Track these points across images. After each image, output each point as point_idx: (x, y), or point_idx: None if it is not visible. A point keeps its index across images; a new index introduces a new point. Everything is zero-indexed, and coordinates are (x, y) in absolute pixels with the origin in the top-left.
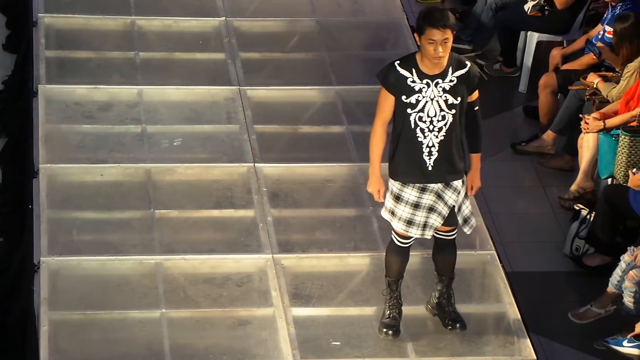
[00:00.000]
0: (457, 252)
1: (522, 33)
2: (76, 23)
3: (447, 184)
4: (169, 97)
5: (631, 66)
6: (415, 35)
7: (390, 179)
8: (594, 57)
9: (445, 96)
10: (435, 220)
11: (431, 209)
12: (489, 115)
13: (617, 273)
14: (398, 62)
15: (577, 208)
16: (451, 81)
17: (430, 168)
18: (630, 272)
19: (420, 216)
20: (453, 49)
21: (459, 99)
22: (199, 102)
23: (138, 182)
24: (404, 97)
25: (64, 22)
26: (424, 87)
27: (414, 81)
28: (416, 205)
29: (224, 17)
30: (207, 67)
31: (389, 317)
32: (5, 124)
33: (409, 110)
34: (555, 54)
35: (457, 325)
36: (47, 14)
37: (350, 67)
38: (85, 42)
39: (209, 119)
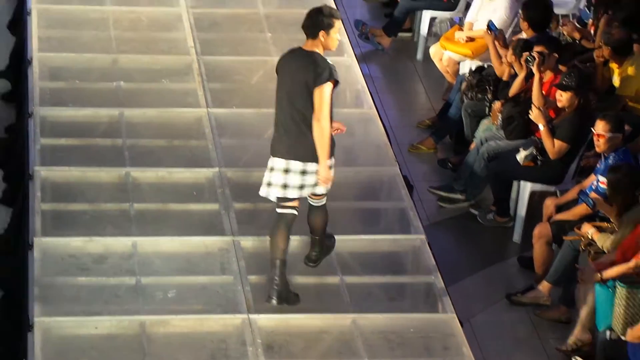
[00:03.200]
0: None
1: (516, 183)
2: (71, 176)
3: None
4: (163, 248)
5: (626, 217)
6: (322, 33)
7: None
8: (588, 207)
9: None
10: None
11: None
12: (483, 265)
13: None
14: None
15: None
16: None
17: None
18: None
19: None
20: (445, 199)
21: None
22: (193, 253)
23: (132, 334)
24: None
25: (60, 174)
26: None
27: None
28: None
29: (217, 168)
30: (201, 218)
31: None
32: None
33: None
34: (549, 204)
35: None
36: (42, 167)
37: (343, 217)
38: (81, 194)
39: (203, 269)
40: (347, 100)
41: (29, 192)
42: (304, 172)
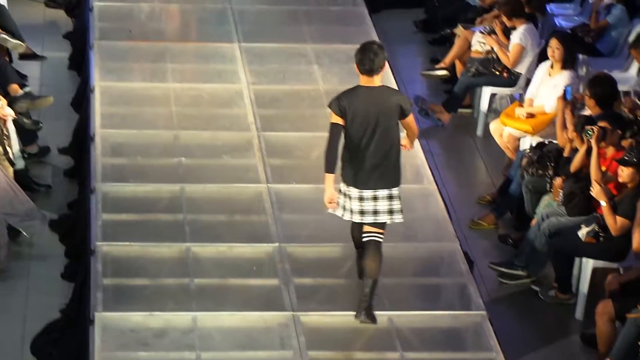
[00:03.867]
0: None
1: (577, 259)
2: (132, 251)
3: None
4: (223, 323)
5: None
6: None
7: None
8: None
9: None
10: None
11: None
12: (545, 343)
13: None
14: None
15: None
16: None
17: None
18: None
19: None
20: (507, 275)
21: None
22: (253, 328)
23: None
24: None
25: (121, 250)
26: None
27: None
28: None
29: (277, 243)
30: (260, 293)
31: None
32: (54, 356)
33: None
34: (612, 281)
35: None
36: (104, 242)
37: (403, 293)
38: (141, 269)
39: (263, 345)
40: (406, 176)
41: (91, 267)
42: (390, 197)
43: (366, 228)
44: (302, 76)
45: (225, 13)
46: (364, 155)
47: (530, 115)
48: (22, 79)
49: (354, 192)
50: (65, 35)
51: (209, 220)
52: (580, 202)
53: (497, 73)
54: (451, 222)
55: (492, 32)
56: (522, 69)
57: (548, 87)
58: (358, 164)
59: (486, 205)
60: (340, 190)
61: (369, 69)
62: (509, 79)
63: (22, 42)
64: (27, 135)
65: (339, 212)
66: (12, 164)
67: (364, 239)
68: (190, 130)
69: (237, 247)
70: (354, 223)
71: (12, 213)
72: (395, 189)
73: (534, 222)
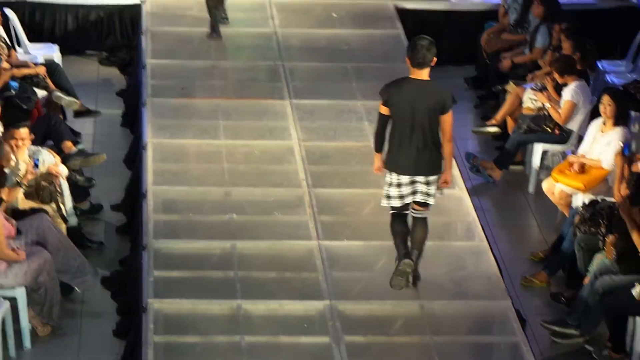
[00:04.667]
0: None
1: (631, 318)
2: (183, 308)
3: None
4: None
5: None
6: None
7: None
8: None
9: None
10: None
11: None
12: None
13: None
14: None
15: None
16: None
17: None
18: None
19: None
20: (559, 334)
21: None
22: None
23: None
24: None
25: (172, 307)
26: None
27: None
28: None
29: (328, 301)
30: (311, 351)
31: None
32: None
33: None
34: None
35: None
36: (155, 299)
37: (455, 352)
38: (192, 326)
39: None
40: (458, 233)
41: (142, 324)
42: (427, 183)
43: (413, 206)
44: (352, 132)
45: (276, 70)
46: (406, 143)
47: (582, 170)
48: (75, 136)
49: (394, 178)
50: (118, 92)
51: (259, 277)
52: (633, 260)
53: (549, 130)
54: (503, 279)
55: (543, 88)
56: (574, 125)
57: (601, 144)
58: (401, 152)
59: (538, 262)
60: (388, 182)
61: (420, 62)
62: (561, 135)
63: (76, 99)
64: (79, 192)
65: (383, 202)
66: (65, 220)
67: (412, 215)
68: (242, 186)
69: (288, 304)
70: (394, 217)
71: (65, 270)
72: (433, 177)
73: (586, 280)
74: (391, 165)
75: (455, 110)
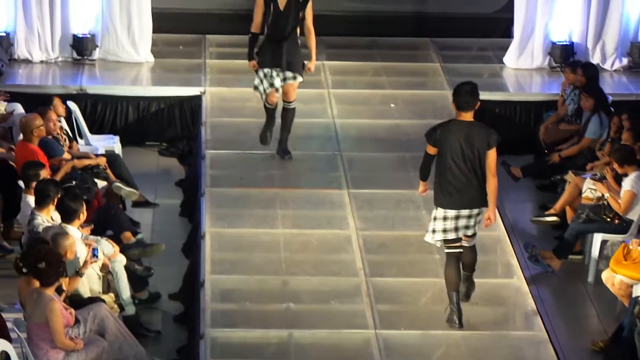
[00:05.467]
0: None
1: None
2: None
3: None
4: None
5: None
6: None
7: None
8: None
9: None
10: None
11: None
12: None
13: None
14: None
15: None
16: None
17: None
18: None
19: None
20: None
21: None
22: None
23: None
24: None
25: None
26: None
27: None
28: None
29: None
30: None
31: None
32: None
33: None
34: None
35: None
36: None
37: None
38: None
39: None
40: (517, 323)
41: None
42: (469, 217)
43: (461, 241)
44: (410, 222)
45: (334, 160)
46: (452, 179)
47: None
48: (134, 226)
49: (440, 212)
50: (177, 182)
51: None
52: None
53: (609, 220)
54: None
55: (603, 178)
56: (634, 215)
57: None
58: (447, 187)
59: (599, 352)
60: (433, 217)
61: (465, 106)
62: (620, 225)
63: (135, 190)
64: (138, 281)
65: (428, 238)
66: (121, 309)
67: (461, 248)
68: (299, 275)
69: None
70: (448, 265)
71: (122, 359)
72: (476, 209)
73: None
74: (438, 201)
75: (514, 199)
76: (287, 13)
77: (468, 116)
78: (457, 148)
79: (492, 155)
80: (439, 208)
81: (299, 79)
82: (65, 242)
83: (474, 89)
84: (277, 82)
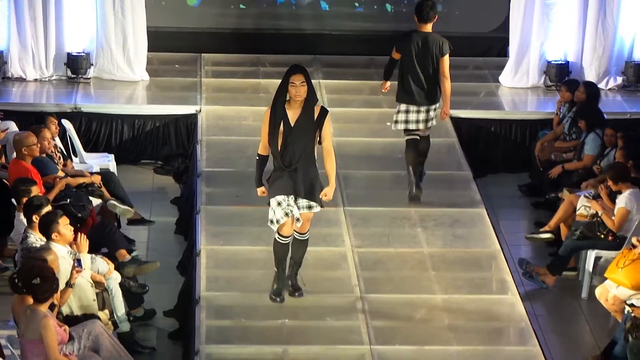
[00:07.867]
0: None
1: None
2: None
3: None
4: None
5: None
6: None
7: None
8: None
9: None
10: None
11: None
12: None
13: None
14: None
15: None
16: None
17: None
18: None
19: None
20: None
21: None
22: None
23: None
24: None
25: None
26: None
27: None
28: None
29: None
30: None
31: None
32: None
33: None
34: None
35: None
36: None
37: None
38: None
39: None
40: (511, 339)
41: None
42: (428, 111)
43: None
44: (405, 239)
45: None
46: (412, 80)
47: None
48: (129, 244)
49: (402, 107)
50: (172, 200)
51: None
52: None
53: (602, 236)
54: None
55: (597, 196)
56: (627, 232)
57: None
58: (408, 86)
59: None
60: (397, 111)
61: (425, 19)
62: (614, 242)
63: (130, 207)
64: (133, 298)
65: (393, 126)
66: (115, 326)
67: (418, 137)
68: None
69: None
70: (408, 149)
71: None
72: (434, 105)
73: None
74: (401, 98)
75: (509, 217)
76: (298, 131)
77: (427, 27)
78: (417, 54)
79: (445, 60)
80: (401, 103)
81: (316, 209)
82: (47, 258)
83: (433, 5)
84: (296, 211)
